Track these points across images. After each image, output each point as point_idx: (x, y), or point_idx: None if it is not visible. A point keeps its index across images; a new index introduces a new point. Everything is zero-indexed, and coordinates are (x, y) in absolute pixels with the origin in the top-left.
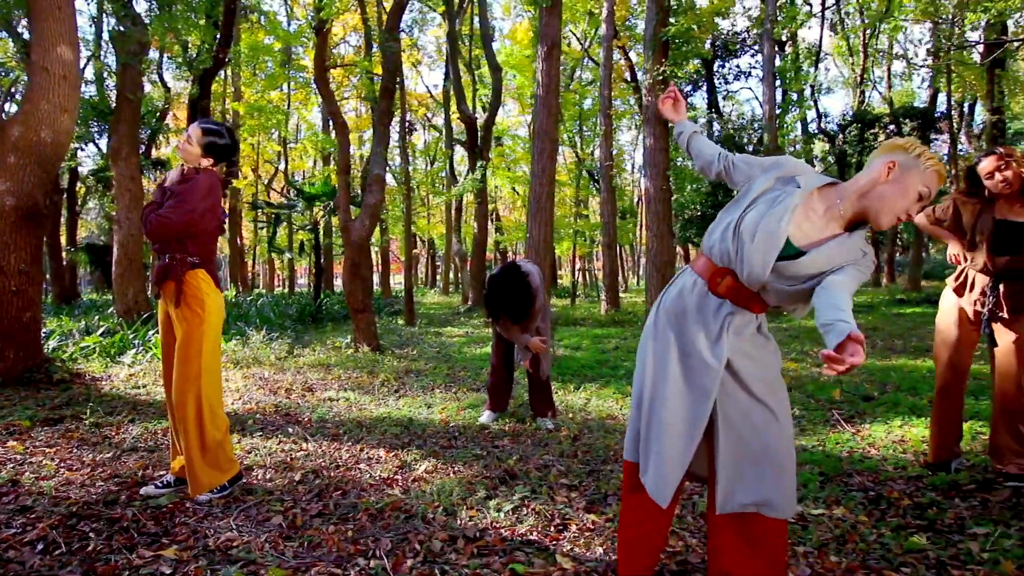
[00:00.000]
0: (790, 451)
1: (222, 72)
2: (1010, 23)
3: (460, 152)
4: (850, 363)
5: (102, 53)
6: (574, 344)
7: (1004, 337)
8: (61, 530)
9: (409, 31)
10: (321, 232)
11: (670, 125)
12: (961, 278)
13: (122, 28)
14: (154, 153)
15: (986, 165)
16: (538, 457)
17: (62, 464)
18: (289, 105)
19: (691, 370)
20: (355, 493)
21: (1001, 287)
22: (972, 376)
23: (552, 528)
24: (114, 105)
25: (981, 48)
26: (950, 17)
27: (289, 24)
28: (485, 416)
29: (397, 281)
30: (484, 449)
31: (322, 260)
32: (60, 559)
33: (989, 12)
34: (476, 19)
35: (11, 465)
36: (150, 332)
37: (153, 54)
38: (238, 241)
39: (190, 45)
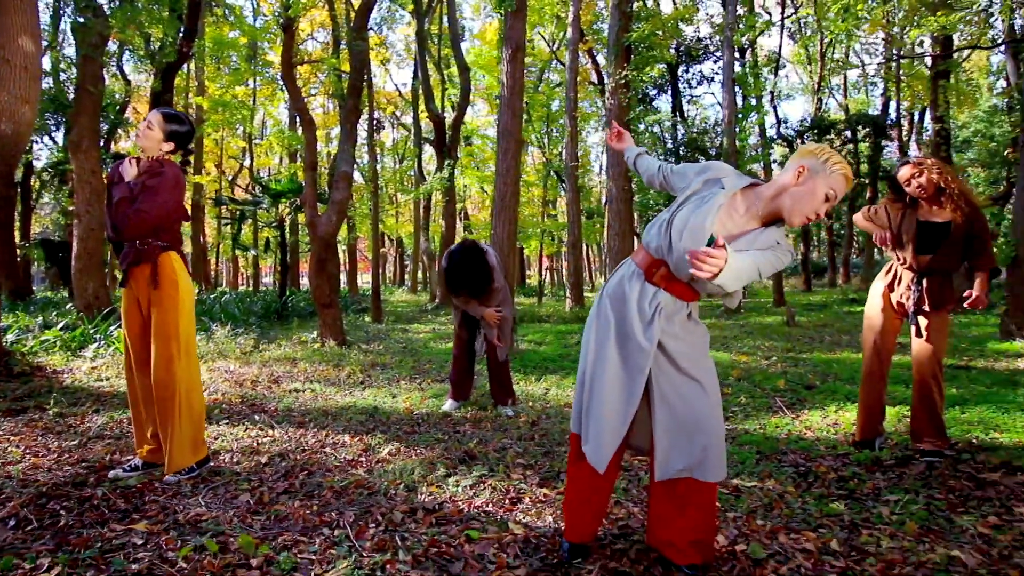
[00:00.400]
0: (719, 420)
1: (185, 66)
2: (956, 36)
3: (429, 151)
4: (709, 255)
5: (60, 44)
6: (538, 339)
7: (924, 329)
8: (32, 508)
9: (378, 29)
10: (287, 229)
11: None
12: (891, 273)
13: (82, 19)
14: (113, 147)
15: (904, 173)
16: (497, 440)
17: (28, 451)
18: (255, 101)
19: (627, 350)
20: (320, 474)
21: (925, 282)
22: (904, 367)
23: (507, 501)
24: (73, 97)
25: (929, 59)
26: (899, 29)
27: (255, 19)
28: (448, 404)
29: (365, 280)
30: (446, 434)
31: (288, 258)
32: (33, 534)
33: (931, 27)
34: (445, 18)
35: None
36: (112, 327)
37: (112, 46)
38: (201, 239)
39: (152, 38)
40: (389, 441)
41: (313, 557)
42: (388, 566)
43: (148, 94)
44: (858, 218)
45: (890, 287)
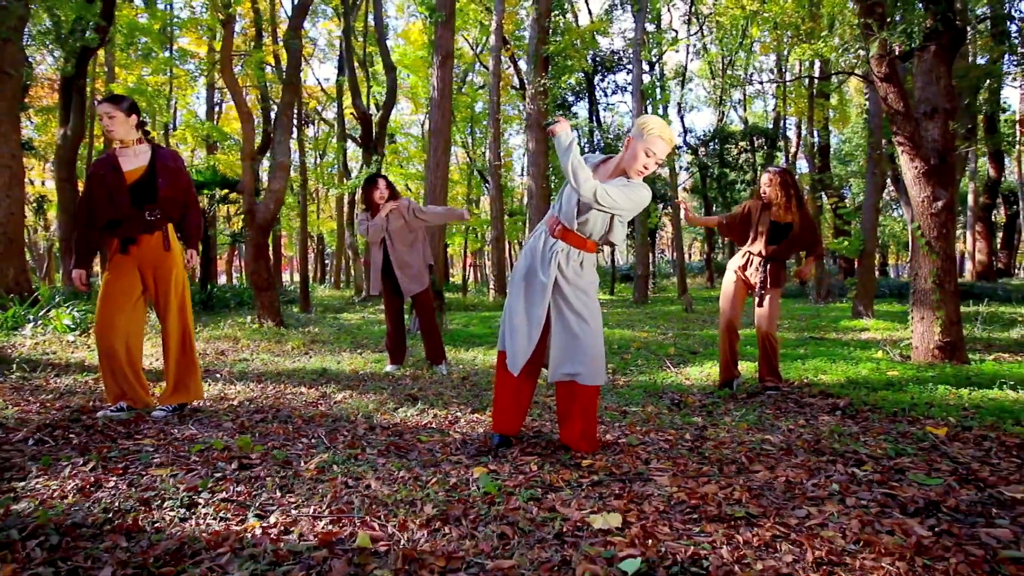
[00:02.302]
0: (597, 342)
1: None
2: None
3: (352, 146)
4: (557, 119)
5: None
6: (465, 323)
7: (765, 301)
8: (43, 433)
9: None
10: (207, 222)
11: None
12: (744, 258)
13: (3, 2)
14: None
15: (760, 181)
16: (434, 389)
17: (8, 402)
18: (171, 90)
19: (532, 286)
20: (287, 411)
21: (769, 266)
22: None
23: (447, 422)
24: None
25: (807, 81)
26: (785, 53)
27: (170, 7)
28: (389, 367)
29: (286, 280)
30: (390, 385)
31: (207, 251)
32: (54, 448)
33: (806, 53)
34: (371, 16)
35: None
36: (44, 309)
37: None
38: None
39: (63, 21)
40: (342, 390)
41: (300, 453)
42: (359, 456)
43: (56, 78)
44: (690, 215)
45: (743, 268)
